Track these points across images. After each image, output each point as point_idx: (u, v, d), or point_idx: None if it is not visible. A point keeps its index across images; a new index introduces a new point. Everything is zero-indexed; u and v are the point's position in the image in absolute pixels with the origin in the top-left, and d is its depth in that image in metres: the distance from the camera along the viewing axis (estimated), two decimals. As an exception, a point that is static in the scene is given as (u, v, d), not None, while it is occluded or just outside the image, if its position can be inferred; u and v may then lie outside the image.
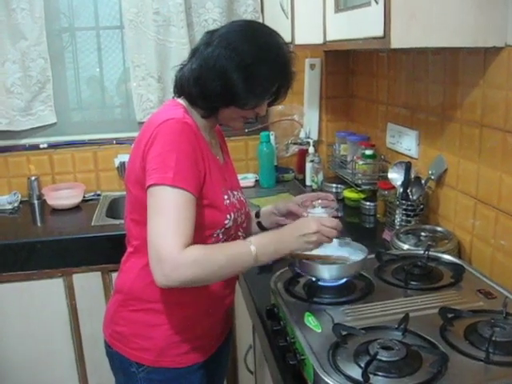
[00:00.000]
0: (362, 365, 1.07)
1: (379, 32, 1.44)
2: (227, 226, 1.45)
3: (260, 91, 1.39)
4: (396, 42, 1.40)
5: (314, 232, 1.35)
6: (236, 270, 1.35)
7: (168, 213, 1.25)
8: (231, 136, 2.94)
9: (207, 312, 1.52)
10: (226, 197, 1.45)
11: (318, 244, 1.38)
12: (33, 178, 2.89)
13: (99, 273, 2.42)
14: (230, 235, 1.48)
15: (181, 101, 1.47)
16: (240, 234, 1.56)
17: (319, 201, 1.63)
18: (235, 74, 1.35)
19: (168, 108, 1.44)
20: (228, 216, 1.44)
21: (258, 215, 1.74)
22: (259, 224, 1.72)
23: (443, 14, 1.42)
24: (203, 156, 1.38)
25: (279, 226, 1.64)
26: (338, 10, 1.76)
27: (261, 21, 2.85)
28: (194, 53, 1.45)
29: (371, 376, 1.05)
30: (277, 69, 1.40)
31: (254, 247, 1.29)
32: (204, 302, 1.49)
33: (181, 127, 1.33)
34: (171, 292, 1.39)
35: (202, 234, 1.37)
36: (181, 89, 1.47)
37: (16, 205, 2.85)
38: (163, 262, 1.19)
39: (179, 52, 2.74)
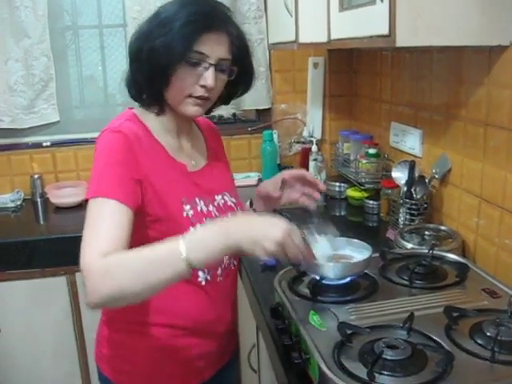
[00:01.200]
0: (368, 364, 1.07)
1: (384, 30, 1.43)
2: None
3: (175, 46, 1.25)
4: (401, 41, 1.40)
5: (277, 241, 1.08)
6: (164, 274, 1.09)
7: (90, 223, 1.16)
8: (234, 135, 2.96)
9: (195, 337, 1.43)
10: (187, 207, 1.33)
11: (270, 256, 1.10)
12: (36, 176, 2.90)
13: (102, 271, 2.42)
14: None
15: (136, 110, 1.42)
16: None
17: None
18: (148, 42, 1.28)
19: (114, 118, 1.38)
20: (191, 228, 1.28)
21: (251, 204, 1.64)
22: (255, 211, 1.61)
23: (448, 12, 1.42)
24: (145, 164, 1.28)
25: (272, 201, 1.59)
26: (342, 8, 1.76)
27: (264, 19, 2.85)
28: None
29: (376, 375, 1.04)
30: (188, 17, 1.27)
31: (184, 242, 1.08)
32: (190, 327, 1.41)
33: (112, 137, 1.28)
34: (151, 315, 1.36)
35: None
36: (131, 89, 1.42)
37: (19, 203, 2.86)
38: (84, 275, 1.09)
39: (182, 50, 2.73)
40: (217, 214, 1.41)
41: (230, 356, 1.60)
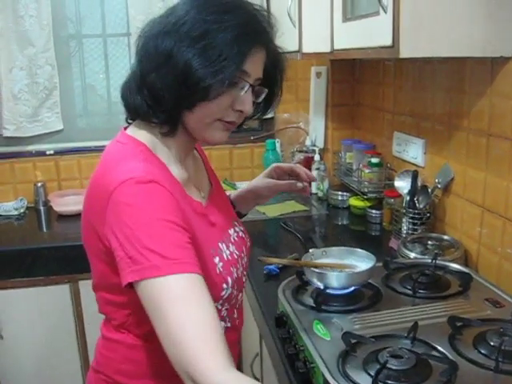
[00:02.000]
0: (372, 373, 1.08)
1: (388, 41, 1.44)
2: (225, 297, 1.16)
3: (223, 63, 1.01)
4: (405, 52, 1.41)
5: None
6: None
7: (181, 318, 0.90)
8: (237, 143, 2.97)
9: None
10: (217, 259, 1.14)
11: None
12: (39, 184, 2.91)
13: (105, 279, 2.42)
14: (230, 303, 1.23)
15: (139, 135, 1.14)
16: (241, 294, 1.32)
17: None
18: (182, 49, 1.02)
19: (124, 154, 1.09)
20: (224, 286, 1.14)
21: (234, 207, 1.50)
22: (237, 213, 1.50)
23: (451, 23, 1.43)
24: (184, 215, 1.05)
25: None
26: (345, 19, 1.77)
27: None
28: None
29: (381, 384, 1.05)
30: (242, 31, 1.04)
31: None
32: None
33: (146, 191, 0.99)
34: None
35: None
36: (128, 109, 1.16)
37: (22, 211, 2.86)
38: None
39: (186, 59, 2.74)
40: (237, 252, 1.24)
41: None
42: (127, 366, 1.20)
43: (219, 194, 1.35)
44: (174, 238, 0.97)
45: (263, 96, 1.16)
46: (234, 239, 1.27)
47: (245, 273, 1.29)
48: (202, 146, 1.43)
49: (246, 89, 1.08)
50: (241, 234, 1.32)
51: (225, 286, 1.14)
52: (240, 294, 1.29)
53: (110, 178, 1.02)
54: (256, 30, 1.07)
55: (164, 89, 1.04)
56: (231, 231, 1.28)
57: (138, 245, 0.94)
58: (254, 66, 1.08)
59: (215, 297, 1.07)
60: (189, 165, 1.24)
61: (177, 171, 1.15)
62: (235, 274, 1.18)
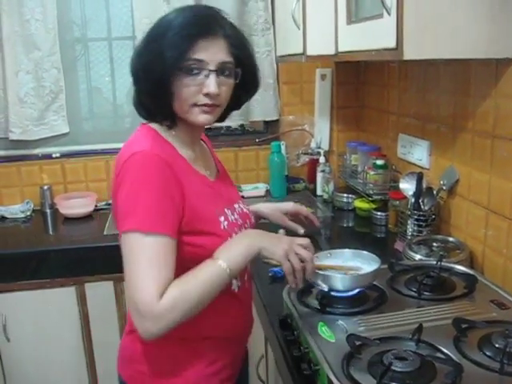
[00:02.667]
0: (377, 375, 1.08)
1: (392, 44, 1.44)
2: None
3: (167, 55, 1.23)
4: (409, 54, 1.41)
5: (285, 248, 1.27)
6: (215, 292, 1.22)
7: (141, 262, 1.15)
8: (242, 146, 2.98)
9: (231, 342, 1.43)
10: (222, 218, 1.34)
11: (285, 256, 1.26)
12: (45, 187, 2.92)
13: (111, 282, 2.44)
14: None
15: (153, 125, 1.37)
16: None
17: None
18: (142, 46, 1.30)
19: (137, 137, 1.33)
20: (228, 239, 1.32)
21: None
22: None
23: (455, 25, 1.43)
24: (183, 185, 1.25)
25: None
26: (350, 21, 1.78)
27: (272, 31, 2.87)
28: None
29: (385, 386, 1.05)
30: (185, 25, 1.26)
31: (224, 262, 1.22)
32: (229, 332, 1.41)
33: (148, 161, 1.22)
34: (194, 324, 1.27)
35: None
36: (140, 114, 1.39)
37: (29, 213, 2.88)
38: (142, 316, 1.13)
39: (191, 62, 2.75)
40: (240, 221, 1.42)
41: (245, 361, 1.62)
42: None
43: (226, 179, 1.54)
44: (163, 203, 1.19)
45: (239, 76, 1.34)
46: (238, 211, 1.44)
47: None
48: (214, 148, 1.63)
49: (205, 73, 1.26)
50: (245, 210, 1.50)
51: (222, 247, 1.28)
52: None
53: (125, 154, 1.25)
54: (200, 22, 1.26)
55: (146, 97, 1.32)
56: (236, 205, 1.45)
57: (132, 202, 1.17)
58: (208, 53, 1.25)
59: None
60: (196, 150, 1.43)
61: (184, 151, 1.35)
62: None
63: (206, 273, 1.21)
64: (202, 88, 1.27)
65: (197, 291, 1.18)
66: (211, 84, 1.26)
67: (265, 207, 1.76)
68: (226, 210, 1.38)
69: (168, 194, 1.20)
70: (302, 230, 1.69)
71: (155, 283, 1.13)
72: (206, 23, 1.27)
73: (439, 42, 1.45)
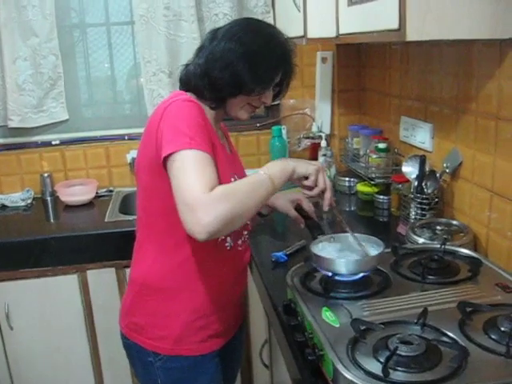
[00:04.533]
0: (382, 360, 1.07)
1: (394, 25, 1.42)
2: None
3: (265, 78, 1.47)
4: (412, 35, 1.39)
5: (316, 167, 1.45)
6: (261, 196, 1.32)
7: (188, 168, 1.26)
8: (243, 131, 2.96)
9: (220, 299, 1.57)
10: (233, 180, 1.48)
11: (316, 173, 1.44)
12: (45, 174, 2.91)
13: (113, 269, 2.43)
14: None
15: (189, 94, 1.49)
16: (248, 222, 1.60)
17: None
18: (241, 63, 1.41)
19: (174, 94, 1.47)
20: None
21: None
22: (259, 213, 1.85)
23: (459, 5, 1.40)
24: (211, 136, 1.41)
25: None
26: (351, 3, 1.74)
27: (271, 14, 2.84)
28: (200, 50, 1.52)
29: (391, 371, 1.05)
30: (280, 57, 1.48)
31: (263, 171, 1.35)
32: (216, 288, 1.55)
33: (188, 104, 1.38)
34: (184, 279, 1.50)
35: None
36: (188, 84, 1.51)
37: (29, 202, 2.87)
38: (194, 209, 1.19)
39: (190, 47, 2.72)
40: None
41: (239, 328, 1.75)
42: None
43: (238, 159, 1.72)
44: (201, 132, 1.33)
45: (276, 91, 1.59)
46: None
47: None
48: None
49: (271, 90, 1.52)
50: None
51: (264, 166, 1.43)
52: (247, 222, 1.57)
53: (164, 102, 1.41)
54: (286, 59, 1.50)
55: (220, 83, 1.43)
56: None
57: (176, 130, 1.31)
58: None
59: None
60: (218, 129, 1.58)
61: (213, 125, 1.51)
62: None
63: (249, 178, 1.37)
64: (261, 97, 1.50)
65: (242, 189, 1.29)
66: (270, 97, 1.54)
67: (274, 203, 1.83)
68: (236, 177, 1.52)
69: (204, 130, 1.35)
70: (302, 225, 1.75)
71: (203, 181, 1.23)
72: (290, 56, 1.52)
73: (443, 23, 1.42)
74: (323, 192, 1.47)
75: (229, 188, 1.26)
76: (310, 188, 1.47)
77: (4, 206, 2.83)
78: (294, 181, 1.46)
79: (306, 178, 1.46)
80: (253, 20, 1.60)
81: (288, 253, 1.83)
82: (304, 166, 1.43)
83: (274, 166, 1.39)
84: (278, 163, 1.42)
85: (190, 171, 1.25)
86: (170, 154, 1.28)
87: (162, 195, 1.40)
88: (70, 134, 2.95)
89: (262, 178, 1.33)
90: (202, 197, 1.20)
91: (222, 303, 1.58)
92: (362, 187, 2.44)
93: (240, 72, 1.41)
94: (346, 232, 1.52)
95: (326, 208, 1.50)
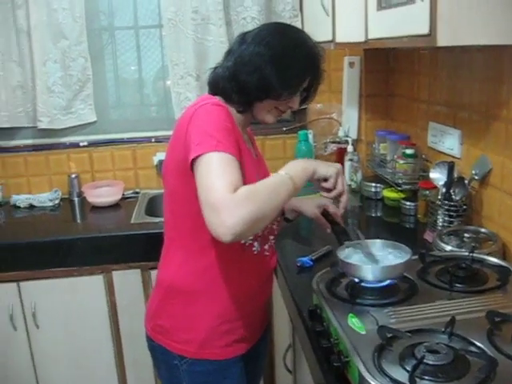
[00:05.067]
0: (408, 368, 1.06)
1: (424, 30, 1.41)
2: None
3: (293, 84, 1.47)
4: (442, 40, 1.38)
5: (336, 170, 1.44)
6: (283, 196, 1.30)
7: (213, 170, 1.25)
8: (269, 135, 2.96)
9: (246, 304, 1.56)
10: None
11: (336, 176, 1.44)
12: (73, 175, 2.95)
13: (138, 270, 2.45)
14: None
15: (218, 98, 1.50)
16: (274, 227, 1.64)
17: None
18: (269, 67, 1.41)
19: (202, 98, 1.48)
20: None
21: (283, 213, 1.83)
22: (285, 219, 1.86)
23: (491, 11, 1.39)
24: (238, 140, 1.41)
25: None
26: (380, 7, 1.74)
27: (299, 18, 2.84)
28: (229, 53, 1.52)
29: (417, 380, 1.03)
30: (308, 62, 1.48)
31: (284, 171, 1.35)
32: (243, 293, 1.55)
33: (217, 108, 1.39)
34: (211, 283, 1.50)
35: None
36: (215, 87, 1.52)
37: (57, 202, 2.90)
38: (218, 210, 1.18)
39: (218, 50, 2.74)
40: None
41: (263, 332, 1.75)
42: None
43: (263, 164, 1.70)
44: (229, 136, 1.33)
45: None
46: None
47: (278, 218, 1.68)
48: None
49: (298, 94, 1.52)
50: None
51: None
52: (273, 227, 1.63)
53: (193, 105, 1.42)
54: (315, 64, 1.50)
55: (248, 87, 1.44)
56: None
57: (204, 133, 1.31)
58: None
59: None
60: (244, 134, 1.58)
61: (239, 125, 1.51)
62: None
63: (271, 179, 1.35)
64: (288, 101, 1.51)
65: (265, 190, 1.27)
66: (297, 101, 1.54)
67: (298, 200, 1.82)
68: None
69: (233, 135, 1.35)
70: (328, 231, 1.73)
71: (227, 182, 1.22)
72: (319, 61, 1.52)
73: (474, 28, 1.41)
74: (340, 195, 1.48)
75: (252, 189, 1.25)
76: (329, 190, 1.47)
77: (32, 206, 2.87)
78: (312, 181, 1.46)
79: (325, 180, 1.45)
80: (282, 24, 1.60)
81: (314, 258, 1.82)
82: (325, 168, 1.43)
83: (295, 166, 1.39)
84: (299, 163, 1.41)
85: (216, 172, 1.25)
86: (197, 157, 1.28)
87: (188, 198, 1.40)
88: (97, 136, 2.99)
89: (283, 179, 1.32)
90: (226, 197, 1.19)
91: (248, 308, 1.58)
92: (388, 193, 2.43)
93: (268, 76, 1.41)
94: (364, 238, 1.53)
95: (341, 211, 1.52)
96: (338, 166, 1.48)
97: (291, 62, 1.44)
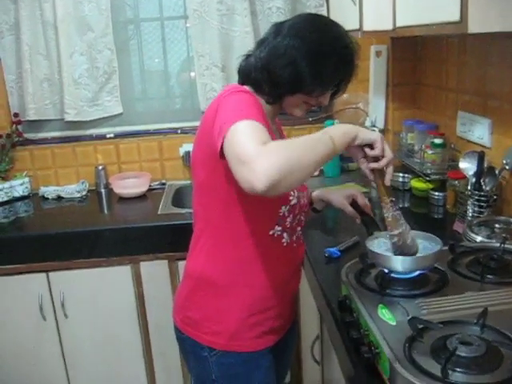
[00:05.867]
0: (440, 360, 1.05)
1: (455, 17, 1.38)
2: (292, 203, 1.49)
3: (326, 80, 1.44)
4: (473, 27, 1.35)
5: (379, 136, 1.35)
6: (320, 153, 1.22)
7: (241, 132, 1.19)
8: (296, 125, 2.94)
9: (275, 296, 1.56)
10: None
11: (381, 139, 1.34)
12: (100, 167, 2.97)
13: (166, 261, 2.46)
14: (294, 214, 1.53)
15: (248, 87, 1.48)
16: (302, 218, 1.61)
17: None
18: (304, 62, 1.38)
19: (230, 87, 1.45)
20: (292, 193, 1.48)
21: (311, 203, 1.82)
22: (313, 209, 1.85)
23: (524, -4, 1.36)
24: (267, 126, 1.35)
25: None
26: (409, -6, 1.71)
27: (325, 8, 2.81)
28: (262, 43, 1.48)
29: (450, 372, 1.02)
30: (344, 60, 1.43)
31: (327, 131, 1.28)
32: (272, 284, 1.54)
33: (246, 95, 1.37)
34: (240, 275, 1.50)
35: (268, 208, 1.45)
36: (247, 76, 1.49)
37: (84, 193, 2.93)
38: (249, 162, 1.11)
39: (243, 41, 2.73)
40: (301, 188, 1.56)
41: (292, 324, 1.74)
42: None
43: None
44: (259, 114, 1.29)
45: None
46: None
47: (306, 209, 1.63)
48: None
49: (329, 91, 1.49)
50: (304, 183, 1.57)
51: (292, 193, 1.48)
52: (301, 218, 1.59)
53: (219, 97, 1.38)
54: (351, 62, 1.45)
55: (280, 80, 1.41)
56: None
57: (232, 111, 1.28)
58: None
59: (285, 198, 1.47)
60: (272, 124, 1.54)
61: (268, 115, 1.48)
62: (300, 196, 1.54)
63: (308, 135, 1.26)
64: (319, 97, 1.47)
65: (300, 142, 1.21)
66: (327, 98, 1.50)
67: (327, 191, 1.82)
68: None
69: (261, 116, 1.31)
70: (358, 221, 1.71)
71: (256, 138, 1.17)
72: (353, 61, 1.47)
73: (505, 14, 1.37)
74: (388, 165, 1.36)
75: (286, 141, 1.23)
76: (375, 159, 1.36)
77: (60, 198, 2.90)
78: (351, 152, 1.38)
79: (370, 147, 1.36)
80: (320, 17, 1.53)
81: (341, 248, 1.81)
82: (368, 132, 1.34)
83: (336, 128, 1.32)
84: (341, 126, 1.33)
85: (243, 133, 1.19)
86: (226, 134, 1.22)
87: (218, 189, 1.40)
88: (123, 128, 3.01)
89: (322, 137, 1.25)
90: (257, 148, 1.13)
91: (277, 300, 1.57)
92: (416, 183, 2.40)
93: (302, 71, 1.38)
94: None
95: (388, 182, 1.39)
96: (380, 135, 1.38)
97: (327, 59, 1.40)
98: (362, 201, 1.71)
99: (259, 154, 1.11)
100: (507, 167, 1.84)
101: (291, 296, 1.67)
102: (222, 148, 1.23)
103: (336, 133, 1.27)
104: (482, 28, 1.38)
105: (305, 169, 1.18)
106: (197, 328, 1.55)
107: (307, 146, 1.21)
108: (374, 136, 1.34)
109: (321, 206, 1.85)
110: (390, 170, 1.36)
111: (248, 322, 1.52)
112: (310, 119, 2.96)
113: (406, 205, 2.42)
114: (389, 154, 1.34)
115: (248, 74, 1.48)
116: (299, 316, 2.19)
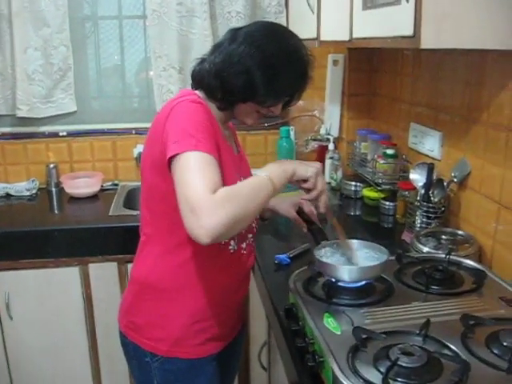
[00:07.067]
0: (382, 370, 1.06)
1: (409, 31, 1.41)
2: None
3: (280, 91, 1.44)
4: (426, 43, 1.37)
5: (316, 170, 1.42)
6: (262, 199, 1.28)
7: (192, 170, 1.23)
8: (251, 130, 2.95)
9: (221, 303, 1.55)
10: (239, 182, 1.43)
11: (316, 176, 1.41)
12: (51, 165, 2.91)
13: (115, 263, 2.43)
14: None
15: (197, 92, 1.48)
16: (253, 225, 1.62)
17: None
18: (258, 72, 1.38)
19: (182, 93, 1.45)
20: None
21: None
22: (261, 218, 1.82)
23: (475, 15, 1.39)
24: (217, 138, 1.38)
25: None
26: (365, 7, 1.73)
27: (285, 15, 2.83)
28: (217, 48, 1.47)
29: (391, 382, 1.03)
30: (298, 72, 1.44)
31: (264, 173, 1.32)
32: (217, 292, 1.53)
33: (196, 106, 1.36)
34: (185, 281, 1.49)
35: None
36: (200, 81, 1.48)
37: (34, 192, 2.87)
38: (196, 212, 1.15)
39: (202, 43, 2.72)
40: None
41: (238, 331, 1.73)
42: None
43: (244, 160, 1.68)
44: (208, 135, 1.31)
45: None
46: None
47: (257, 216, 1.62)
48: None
49: (282, 101, 1.49)
50: None
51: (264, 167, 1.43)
52: (252, 225, 1.61)
53: (172, 101, 1.39)
54: (305, 74, 1.46)
55: (233, 88, 1.40)
56: None
57: (183, 131, 1.28)
58: None
59: None
60: (225, 129, 1.55)
61: (220, 126, 1.48)
62: None
63: (250, 181, 1.33)
64: (270, 107, 1.48)
65: (244, 193, 1.25)
66: (279, 108, 1.50)
67: (273, 199, 1.77)
68: (243, 179, 1.47)
69: (211, 133, 1.33)
70: (305, 230, 1.70)
71: (206, 183, 1.20)
72: (309, 74, 1.48)
73: (458, 32, 1.40)
74: (319, 195, 1.45)
75: (231, 191, 1.23)
76: (309, 190, 1.45)
77: (9, 195, 2.84)
78: (292, 182, 1.44)
79: (304, 180, 1.43)
80: (277, 26, 1.54)
81: (291, 255, 1.82)
82: (304, 169, 1.40)
83: (275, 167, 1.36)
84: (279, 165, 1.38)
85: (194, 172, 1.22)
86: (175, 155, 1.25)
87: (165, 195, 1.39)
88: (77, 126, 2.96)
89: (263, 181, 1.30)
90: (206, 199, 1.16)
91: (223, 307, 1.57)
92: (368, 192, 2.43)
93: (255, 81, 1.38)
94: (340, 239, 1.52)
95: (322, 210, 1.49)
96: (318, 165, 1.45)
97: (281, 71, 1.40)
98: (308, 208, 1.70)
99: (209, 208, 1.15)
100: (455, 180, 1.88)
101: (238, 303, 1.67)
102: (170, 162, 1.28)
103: (276, 174, 1.33)
104: (434, 44, 1.41)
105: (247, 219, 1.26)
106: (140, 333, 1.54)
107: (251, 196, 1.25)
108: (309, 172, 1.41)
109: (268, 215, 1.84)
110: (321, 198, 1.46)
111: (192, 328, 1.51)
112: (266, 125, 2.98)
113: (358, 213, 2.45)
114: (319, 187, 1.43)
115: (201, 80, 1.47)
116: (248, 321, 2.20)
